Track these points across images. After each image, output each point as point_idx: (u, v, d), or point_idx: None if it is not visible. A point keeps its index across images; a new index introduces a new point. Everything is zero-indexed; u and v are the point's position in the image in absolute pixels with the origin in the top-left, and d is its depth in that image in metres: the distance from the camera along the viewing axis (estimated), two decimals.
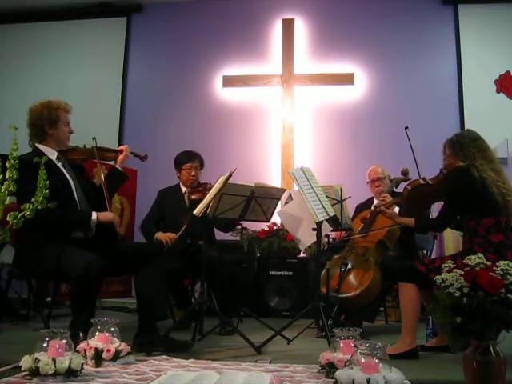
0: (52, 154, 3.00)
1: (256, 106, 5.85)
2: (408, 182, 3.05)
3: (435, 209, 3.25)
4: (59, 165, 3.01)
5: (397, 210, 3.71)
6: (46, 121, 2.98)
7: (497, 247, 2.70)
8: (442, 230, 3.29)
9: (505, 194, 2.74)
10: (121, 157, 3.26)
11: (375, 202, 3.98)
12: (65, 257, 2.70)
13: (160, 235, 3.78)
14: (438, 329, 3.08)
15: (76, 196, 2.97)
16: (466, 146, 2.87)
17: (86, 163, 3.30)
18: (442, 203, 3.00)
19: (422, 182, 2.98)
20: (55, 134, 3.01)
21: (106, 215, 2.97)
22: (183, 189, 4.07)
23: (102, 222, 2.94)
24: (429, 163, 3.30)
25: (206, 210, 3.12)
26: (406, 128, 3.44)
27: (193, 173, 4.01)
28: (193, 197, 3.89)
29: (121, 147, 3.33)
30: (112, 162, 3.37)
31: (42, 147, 3.00)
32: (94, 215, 2.92)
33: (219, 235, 4.18)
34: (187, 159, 4.02)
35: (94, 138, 3.14)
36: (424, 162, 3.48)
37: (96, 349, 2.37)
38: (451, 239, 4.68)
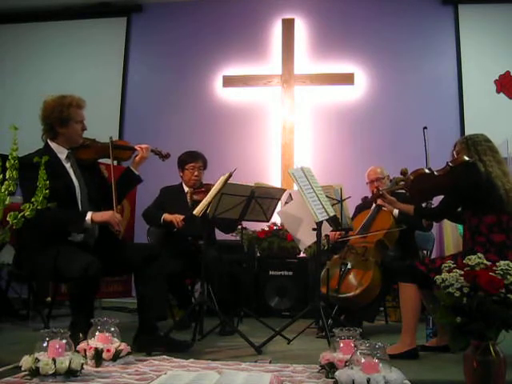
0: (62, 153, 2.94)
1: (256, 106, 5.84)
2: (412, 171, 3.03)
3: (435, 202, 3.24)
4: (67, 165, 2.95)
5: (396, 212, 3.71)
6: (57, 119, 2.89)
7: (498, 247, 2.70)
8: (438, 220, 3.31)
9: (508, 191, 2.75)
10: (138, 158, 3.14)
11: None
12: (62, 259, 2.68)
13: (168, 216, 3.80)
14: (438, 329, 3.08)
15: (79, 199, 2.92)
16: (479, 143, 2.89)
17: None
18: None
19: (427, 171, 2.96)
20: (66, 133, 2.93)
21: (102, 215, 2.85)
22: (186, 188, 4.07)
23: (98, 223, 2.85)
24: (429, 164, 3.30)
25: (206, 210, 3.13)
26: (425, 128, 3.38)
27: (196, 173, 4.01)
28: (195, 197, 3.89)
29: (140, 146, 3.19)
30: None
31: (53, 145, 2.94)
32: (89, 215, 2.80)
33: (219, 235, 4.18)
34: (191, 159, 4.02)
35: (110, 138, 3.03)
36: (425, 162, 3.48)
37: (96, 349, 2.37)
38: (451, 239, 4.68)
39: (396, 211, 3.69)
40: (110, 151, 3.02)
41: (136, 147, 3.18)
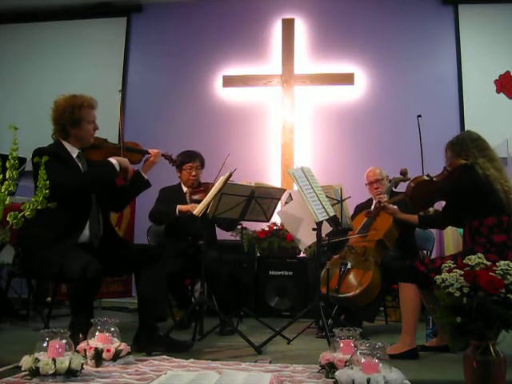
0: (73, 153, 2.94)
1: (256, 106, 5.84)
2: (412, 179, 3.03)
3: (436, 207, 3.24)
4: (79, 164, 2.95)
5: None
6: (69, 120, 2.88)
7: (499, 247, 2.70)
8: (444, 227, 3.33)
9: (507, 192, 2.75)
10: (149, 163, 3.14)
11: (375, 201, 3.98)
12: (64, 259, 2.67)
13: (183, 206, 3.78)
14: (438, 329, 3.08)
15: (93, 197, 2.93)
16: (466, 147, 2.88)
17: None
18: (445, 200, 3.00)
19: (426, 178, 2.96)
20: (78, 134, 2.92)
21: (125, 159, 2.96)
22: (184, 188, 4.06)
23: (122, 166, 2.92)
24: (429, 163, 3.30)
25: (206, 209, 3.13)
26: (419, 116, 3.38)
27: (193, 173, 4.00)
28: (194, 197, 3.89)
29: (151, 150, 3.18)
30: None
31: (65, 144, 2.94)
32: (113, 160, 2.89)
33: (219, 235, 4.18)
34: (188, 159, 4.01)
35: (120, 91, 3.02)
36: (424, 162, 3.48)
37: (96, 349, 2.37)
38: (451, 239, 4.68)
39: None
40: (121, 154, 3.02)
41: (148, 151, 3.17)
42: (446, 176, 2.90)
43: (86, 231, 2.89)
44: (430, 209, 3.17)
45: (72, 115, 2.88)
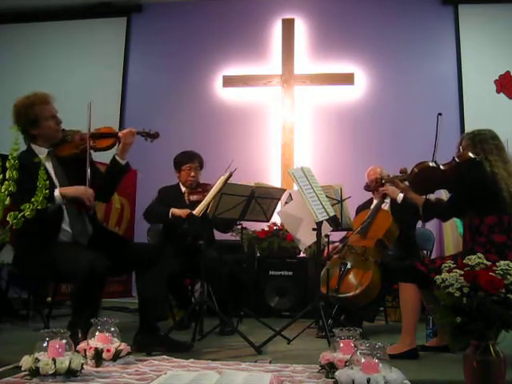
0: (43, 154, 2.86)
1: (256, 106, 5.84)
2: (416, 164, 3.01)
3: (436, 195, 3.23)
4: (48, 166, 2.84)
5: (400, 196, 3.64)
6: (26, 122, 2.80)
7: (499, 248, 2.69)
8: (446, 220, 3.33)
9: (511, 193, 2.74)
10: (121, 146, 2.95)
11: (374, 202, 3.99)
12: (66, 258, 2.66)
13: (177, 210, 3.76)
14: (438, 329, 3.08)
15: None
16: (485, 141, 2.87)
17: None
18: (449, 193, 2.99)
19: (432, 164, 2.93)
20: (41, 133, 2.84)
21: (75, 190, 2.74)
22: (183, 189, 4.06)
23: (69, 198, 2.72)
24: (437, 154, 3.28)
25: (206, 209, 3.13)
26: (440, 114, 3.35)
27: (192, 173, 3.99)
28: (192, 198, 3.90)
29: (122, 132, 2.99)
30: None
31: (34, 147, 2.87)
32: (56, 191, 2.69)
33: (219, 235, 4.18)
34: (186, 160, 4.00)
35: (89, 104, 2.79)
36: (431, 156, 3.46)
37: (96, 349, 2.37)
38: (451, 239, 4.68)
39: (401, 195, 3.61)
40: (88, 143, 2.84)
41: (119, 134, 3.01)
42: (454, 166, 2.88)
43: (67, 231, 2.82)
44: (432, 198, 3.14)
45: (27, 116, 2.80)
